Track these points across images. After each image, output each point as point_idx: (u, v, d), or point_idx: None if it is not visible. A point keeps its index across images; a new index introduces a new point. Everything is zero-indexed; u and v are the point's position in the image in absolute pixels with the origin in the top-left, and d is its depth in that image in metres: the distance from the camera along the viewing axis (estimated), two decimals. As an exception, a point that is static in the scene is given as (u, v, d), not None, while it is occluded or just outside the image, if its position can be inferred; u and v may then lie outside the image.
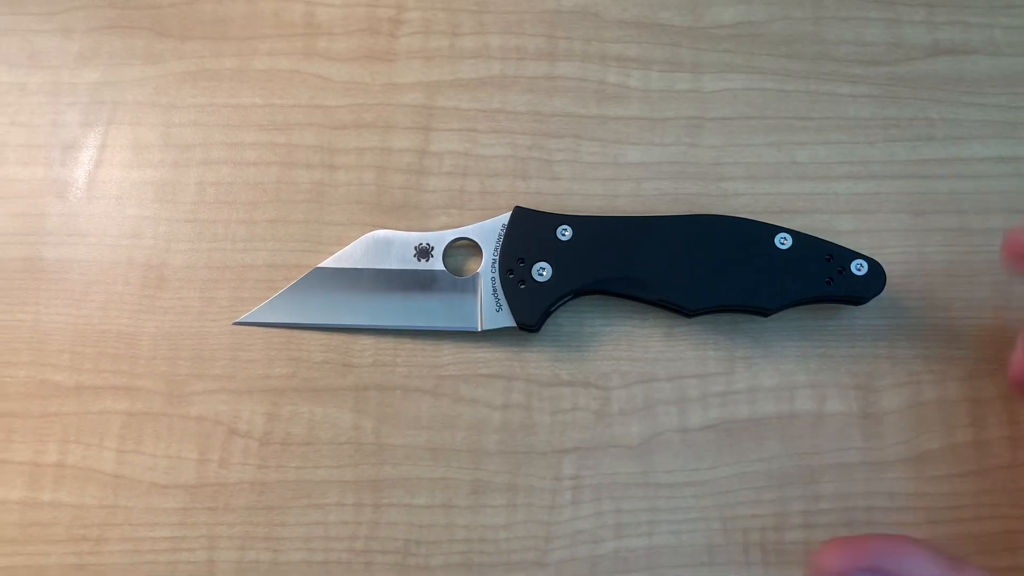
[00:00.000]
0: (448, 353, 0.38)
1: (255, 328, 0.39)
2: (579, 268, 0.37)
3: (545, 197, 0.40)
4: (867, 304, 0.38)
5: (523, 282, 0.37)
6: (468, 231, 0.39)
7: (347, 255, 0.39)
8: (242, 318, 0.39)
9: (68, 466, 0.37)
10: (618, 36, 0.43)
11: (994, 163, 0.41)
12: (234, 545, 0.36)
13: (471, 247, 0.39)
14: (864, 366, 0.38)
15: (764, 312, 0.37)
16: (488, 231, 0.38)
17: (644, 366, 0.38)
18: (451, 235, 0.39)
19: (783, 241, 0.37)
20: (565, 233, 0.38)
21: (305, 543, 0.36)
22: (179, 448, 0.37)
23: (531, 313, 0.37)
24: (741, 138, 0.41)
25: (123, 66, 0.42)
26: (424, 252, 0.39)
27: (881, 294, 0.38)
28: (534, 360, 0.38)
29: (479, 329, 0.38)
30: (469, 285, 0.38)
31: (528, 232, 0.38)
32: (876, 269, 0.36)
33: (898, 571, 0.29)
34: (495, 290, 0.38)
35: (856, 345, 0.38)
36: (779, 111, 0.41)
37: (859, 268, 0.36)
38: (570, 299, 0.38)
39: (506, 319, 0.37)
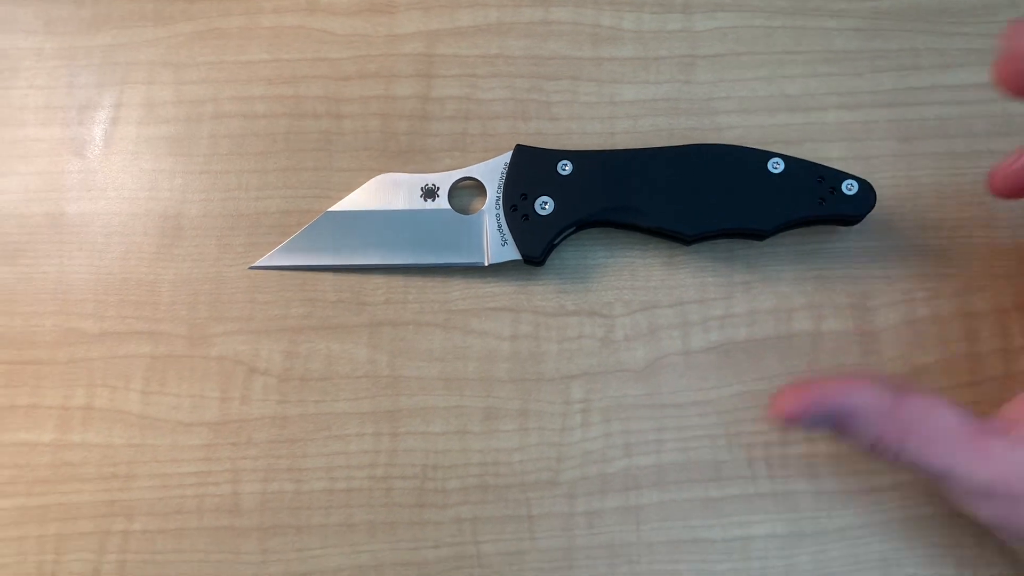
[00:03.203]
0: (457, 289, 0.38)
1: (270, 272, 0.39)
2: (580, 200, 0.37)
3: (545, 137, 0.40)
4: (860, 226, 0.38)
5: (527, 217, 0.37)
6: (472, 170, 0.39)
7: (356, 199, 0.39)
8: (257, 262, 0.39)
9: (96, 408, 0.37)
10: (610, -19, 0.43)
11: (978, 89, 0.40)
12: (258, 477, 0.36)
13: (475, 186, 0.39)
14: (859, 286, 0.38)
15: (760, 235, 0.37)
16: (491, 169, 0.38)
17: (646, 294, 0.38)
18: (456, 175, 0.39)
19: (776, 165, 0.37)
20: (565, 168, 0.38)
21: (327, 472, 0.36)
22: (202, 387, 0.37)
23: (535, 246, 0.37)
24: (732, 73, 0.41)
25: (134, 28, 0.42)
26: (430, 192, 0.39)
27: (873, 217, 0.37)
28: (540, 292, 0.38)
29: (486, 263, 0.38)
30: (475, 222, 0.38)
31: (530, 168, 0.38)
32: (866, 187, 0.36)
33: (847, 407, 0.30)
34: (500, 225, 0.38)
35: (851, 266, 0.38)
36: (768, 46, 0.41)
37: (850, 188, 0.36)
38: (572, 232, 0.38)
39: (512, 253, 0.37)
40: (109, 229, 0.39)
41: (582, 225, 0.38)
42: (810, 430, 0.31)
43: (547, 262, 0.38)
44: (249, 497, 0.36)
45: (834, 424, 0.30)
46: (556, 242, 0.38)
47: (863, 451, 0.31)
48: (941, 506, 0.35)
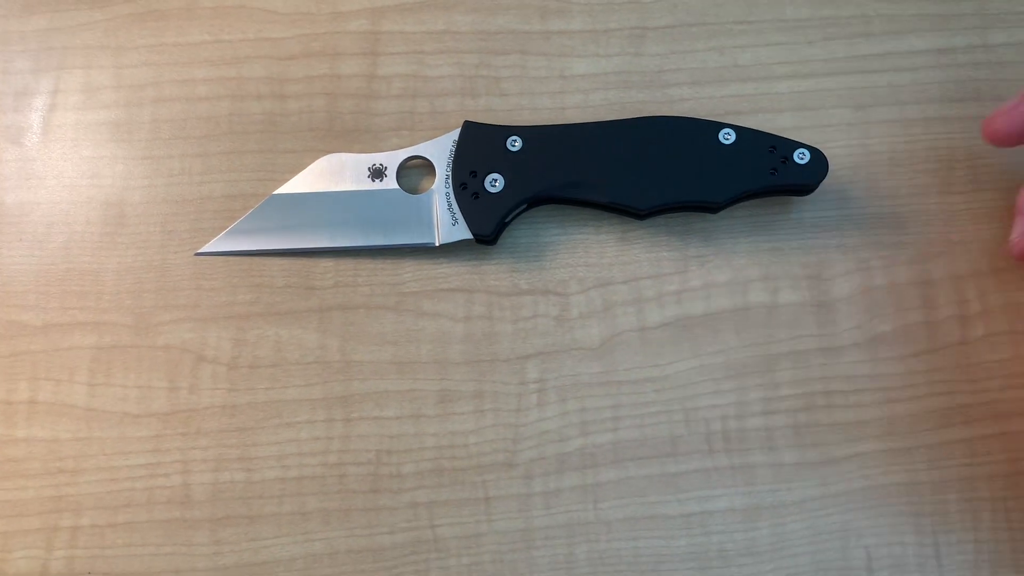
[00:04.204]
0: (408, 271, 0.37)
1: (216, 257, 0.37)
2: (530, 177, 0.36)
3: (495, 114, 0.39)
4: (814, 196, 0.37)
5: (477, 195, 0.36)
6: (420, 149, 0.38)
7: (302, 180, 0.38)
8: (203, 249, 0.37)
9: (40, 402, 0.36)
10: (557, -47, 0.41)
11: (930, 55, 0.40)
12: (208, 467, 0.35)
13: (424, 165, 0.38)
14: (815, 256, 0.37)
15: (713, 208, 0.36)
16: (440, 147, 0.37)
17: (600, 271, 0.37)
18: (403, 154, 0.38)
19: (727, 136, 0.36)
20: (515, 144, 0.37)
21: (279, 461, 0.35)
22: (149, 378, 0.36)
23: (486, 224, 0.36)
24: (683, 45, 0.40)
25: (70, 11, 0.40)
26: (378, 172, 0.37)
27: (827, 186, 0.37)
28: (493, 272, 0.37)
29: (437, 244, 0.36)
30: (424, 202, 0.37)
31: (479, 145, 0.37)
32: (818, 156, 0.35)
33: None
34: (450, 204, 0.36)
35: (806, 237, 0.38)
36: (719, 16, 0.40)
37: (801, 157, 0.35)
38: (524, 209, 0.37)
39: (462, 232, 0.36)
40: (50, 218, 0.38)
41: (534, 202, 0.37)
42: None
43: (499, 241, 0.37)
44: (200, 488, 0.35)
45: None
46: (508, 220, 0.37)
47: None
48: (899, 476, 0.35)
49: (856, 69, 0.40)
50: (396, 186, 0.37)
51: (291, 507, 0.35)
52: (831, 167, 0.36)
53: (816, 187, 0.36)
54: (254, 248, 0.37)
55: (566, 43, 0.40)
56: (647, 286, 0.37)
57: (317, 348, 0.36)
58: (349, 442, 0.35)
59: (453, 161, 0.37)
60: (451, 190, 0.37)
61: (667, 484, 0.35)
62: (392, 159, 0.38)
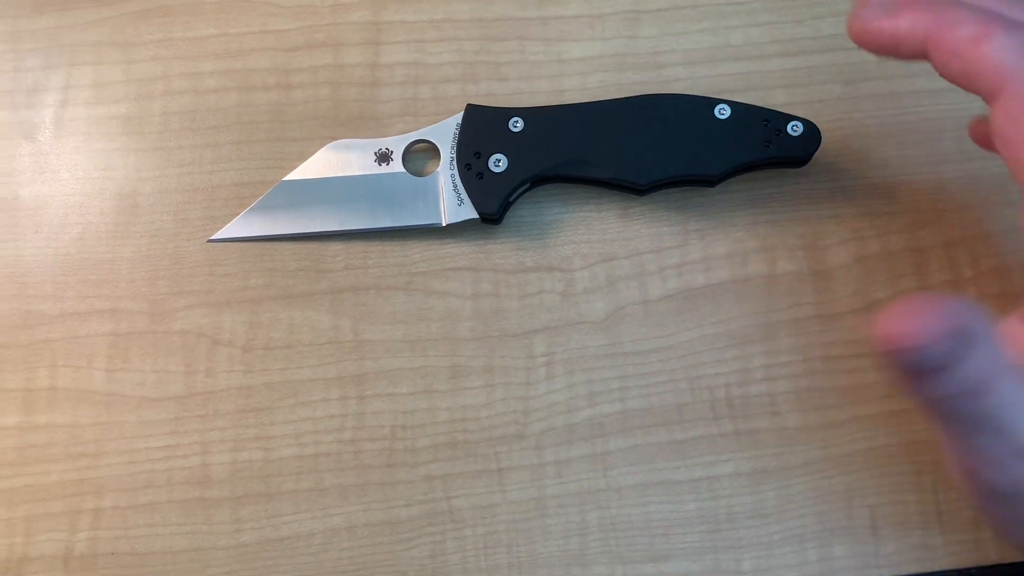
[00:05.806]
0: (416, 252, 0.38)
1: (229, 244, 0.38)
2: (533, 156, 0.37)
3: (495, 98, 0.39)
4: (808, 169, 0.38)
5: (481, 175, 0.37)
6: (424, 132, 0.38)
7: (310, 166, 0.38)
8: (215, 235, 0.38)
9: (60, 389, 0.36)
10: (552, -58, 0.42)
11: (916, 31, 0.40)
12: (226, 447, 0.35)
13: (429, 148, 0.38)
14: (810, 227, 0.38)
15: (711, 181, 0.37)
16: (444, 130, 0.38)
17: (603, 247, 0.38)
18: (409, 138, 0.38)
19: (722, 111, 0.36)
20: (517, 124, 0.37)
21: (295, 439, 0.35)
22: (166, 362, 0.36)
23: (491, 203, 0.36)
24: (677, 27, 0.40)
25: (79, 10, 0.41)
26: (384, 157, 0.38)
27: (820, 159, 0.37)
28: (499, 251, 0.38)
29: (443, 224, 0.37)
30: (430, 184, 0.37)
31: (482, 127, 0.37)
32: (811, 127, 0.36)
33: (980, 328, 0.22)
34: (455, 185, 0.37)
35: (801, 209, 0.38)
36: (710, -1, 0.41)
37: (795, 129, 0.36)
38: (527, 188, 0.37)
39: (468, 212, 0.37)
40: (65, 210, 0.38)
41: (536, 181, 0.37)
42: (913, 359, 0.21)
43: (504, 220, 0.38)
44: (219, 468, 0.35)
45: (948, 353, 0.21)
46: (512, 199, 0.37)
47: (952, 392, 0.22)
48: (899, 436, 0.35)
49: (844, 46, 0.40)
50: (402, 169, 0.38)
51: (309, 484, 0.35)
52: (823, 141, 0.36)
53: (810, 159, 0.36)
54: (265, 233, 0.37)
55: (563, 28, 0.40)
56: (649, 260, 0.37)
57: (330, 329, 0.37)
58: (364, 419, 0.35)
59: (457, 143, 0.37)
60: (456, 171, 0.37)
61: (674, 451, 0.35)
62: (398, 143, 0.38)
